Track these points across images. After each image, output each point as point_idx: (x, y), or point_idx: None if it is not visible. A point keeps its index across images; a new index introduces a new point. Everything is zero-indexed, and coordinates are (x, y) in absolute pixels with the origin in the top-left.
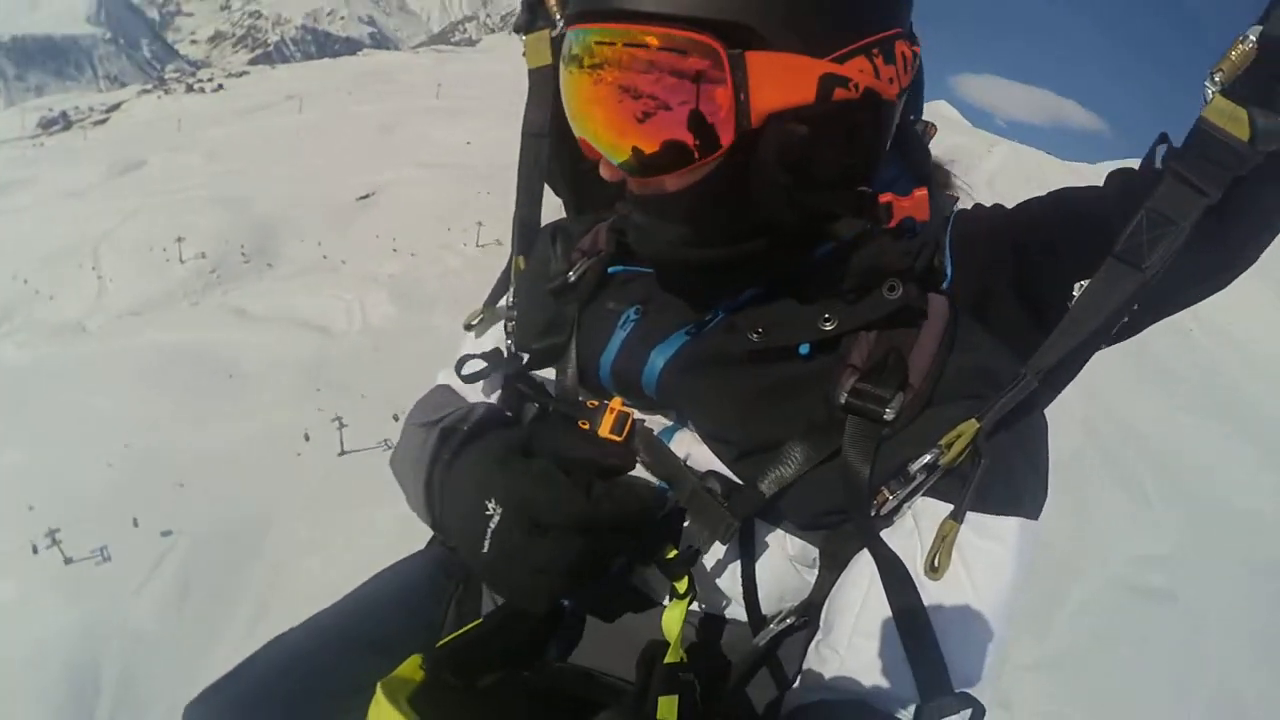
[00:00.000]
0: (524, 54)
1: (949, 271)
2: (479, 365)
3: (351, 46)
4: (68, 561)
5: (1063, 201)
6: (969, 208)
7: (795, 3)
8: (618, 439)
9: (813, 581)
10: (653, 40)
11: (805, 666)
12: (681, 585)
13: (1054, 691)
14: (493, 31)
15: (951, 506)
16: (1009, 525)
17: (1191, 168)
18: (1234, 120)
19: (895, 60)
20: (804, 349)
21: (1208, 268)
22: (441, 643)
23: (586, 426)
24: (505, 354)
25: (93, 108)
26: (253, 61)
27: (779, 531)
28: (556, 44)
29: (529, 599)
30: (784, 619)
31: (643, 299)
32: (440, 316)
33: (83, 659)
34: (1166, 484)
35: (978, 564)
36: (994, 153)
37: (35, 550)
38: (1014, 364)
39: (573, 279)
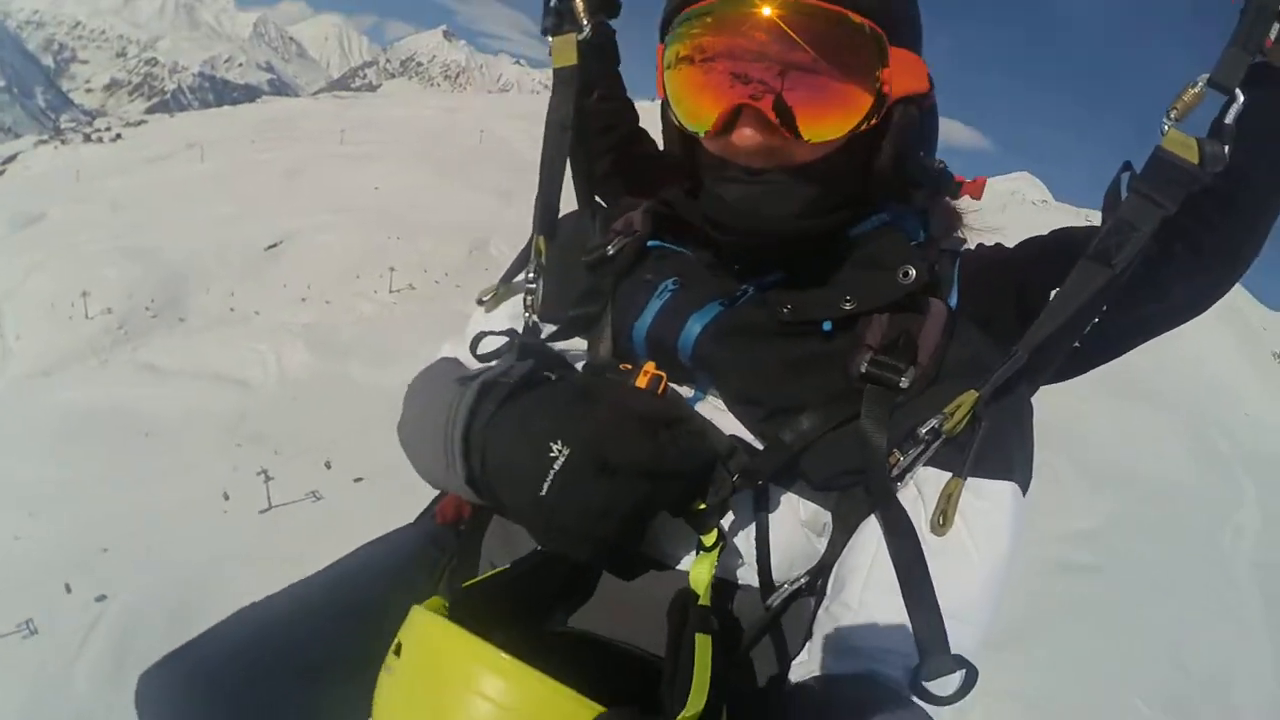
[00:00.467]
0: (550, 54)
1: (954, 302)
2: (497, 342)
3: (250, 94)
4: None
5: (1061, 240)
6: (973, 248)
7: (913, 16)
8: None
9: (821, 549)
10: (830, 11)
11: (814, 630)
12: (709, 539)
13: (1001, 668)
14: (393, 76)
15: (951, 474)
16: (1004, 489)
17: (1153, 187)
18: (1186, 148)
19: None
20: (827, 326)
21: (1205, 285)
22: (467, 584)
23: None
24: (524, 327)
25: None
26: (150, 110)
27: (793, 496)
28: (582, 46)
29: (580, 542)
30: (796, 581)
31: (678, 273)
32: (357, 365)
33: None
34: (1083, 465)
35: (977, 525)
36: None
37: None
38: (1005, 355)
39: (610, 253)
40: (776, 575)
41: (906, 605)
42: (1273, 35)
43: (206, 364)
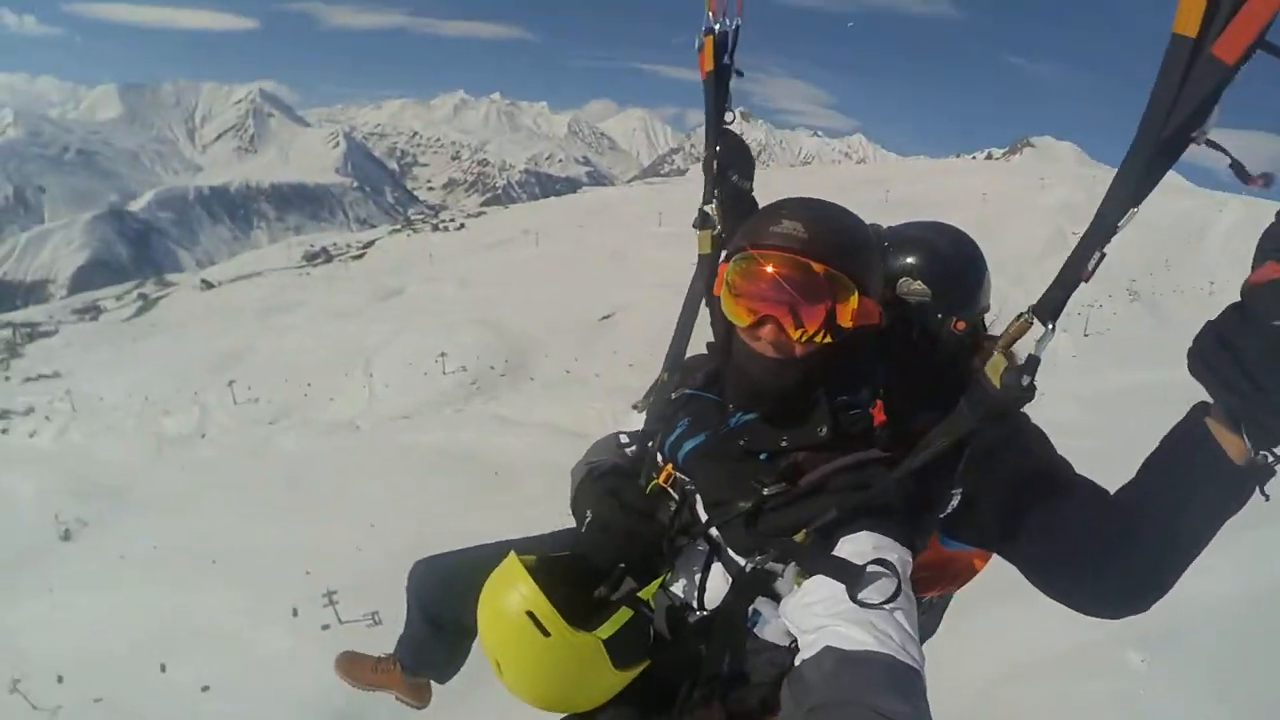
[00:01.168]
0: (698, 245)
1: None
2: (626, 439)
3: (571, 185)
4: (341, 622)
5: (1073, 488)
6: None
7: (873, 275)
8: (667, 485)
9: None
10: (819, 269)
11: (785, 614)
12: (667, 571)
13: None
14: (698, 160)
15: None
16: (823, 582)
17: (966, 401)
18: (994, 371)
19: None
20: (764, 456)
21: (1133, 587)
22: (541, 556)
23: (657, 477)
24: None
25: (350, 244)
26: (485, 203)
27: (721, 550)
28: (716, 239)
29: (598, 557)
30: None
31: (691, 413)
32: None
33: (352, 712)
34: None
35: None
36: (1224, 212)
37: (295, 613)
38: (860, 522)
39: (674, 396)
40: (709, 596)
41: (825, 581)
42: (1090, 267)
43: (549, 417)
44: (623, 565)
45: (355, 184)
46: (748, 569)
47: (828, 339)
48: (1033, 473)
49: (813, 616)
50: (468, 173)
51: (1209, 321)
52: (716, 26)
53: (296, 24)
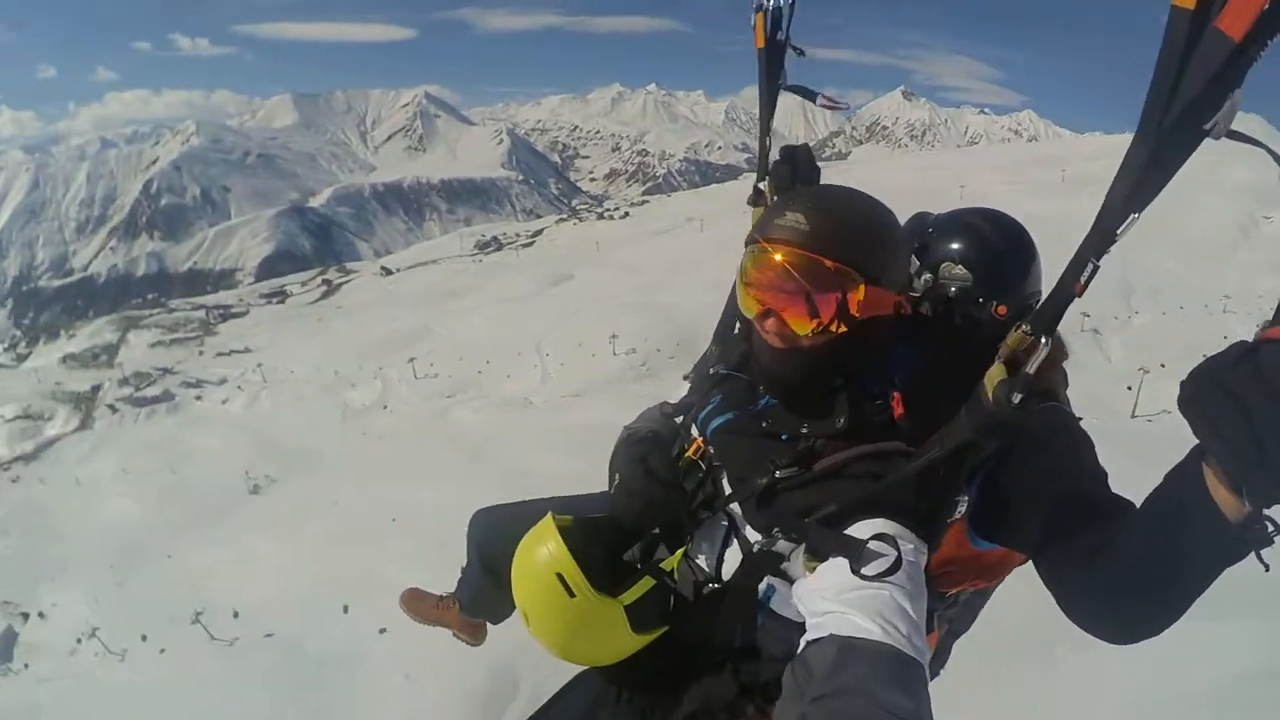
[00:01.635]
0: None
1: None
2: (670, 408)
3: (731, 172)
4: None
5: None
6: (1067, 421)
7: (887, 267)
8: (696, 458)
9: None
10: (821, 261)
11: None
12: (683, 549)
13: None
14: (860, 143)
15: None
16: (825, 567)
17: (967, 410)
18: (990, 382)
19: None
20: (785, 438)
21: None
22: (577, 518)
23: (688, 449)
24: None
25: (519, 233)
26: (646, 192)
27: (738, 523)
28: None
29: (625, 519)
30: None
31: (724, 392)
32: None
33: (505, 665)
34: None
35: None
36: None
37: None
38: (868, 511)
39: (711, 372)
40: (726, 570)
41: (834, 564)
42: (1082, 279)
43: None
44: (656, 532)
45: (520, 177)
46: (756, 547)
47: (834, 331)
48: (1063, 488)
49: (821, 601)
50: (628, 163)
51: (1210, 360)
52: (768, 3)
53: (452, 31)
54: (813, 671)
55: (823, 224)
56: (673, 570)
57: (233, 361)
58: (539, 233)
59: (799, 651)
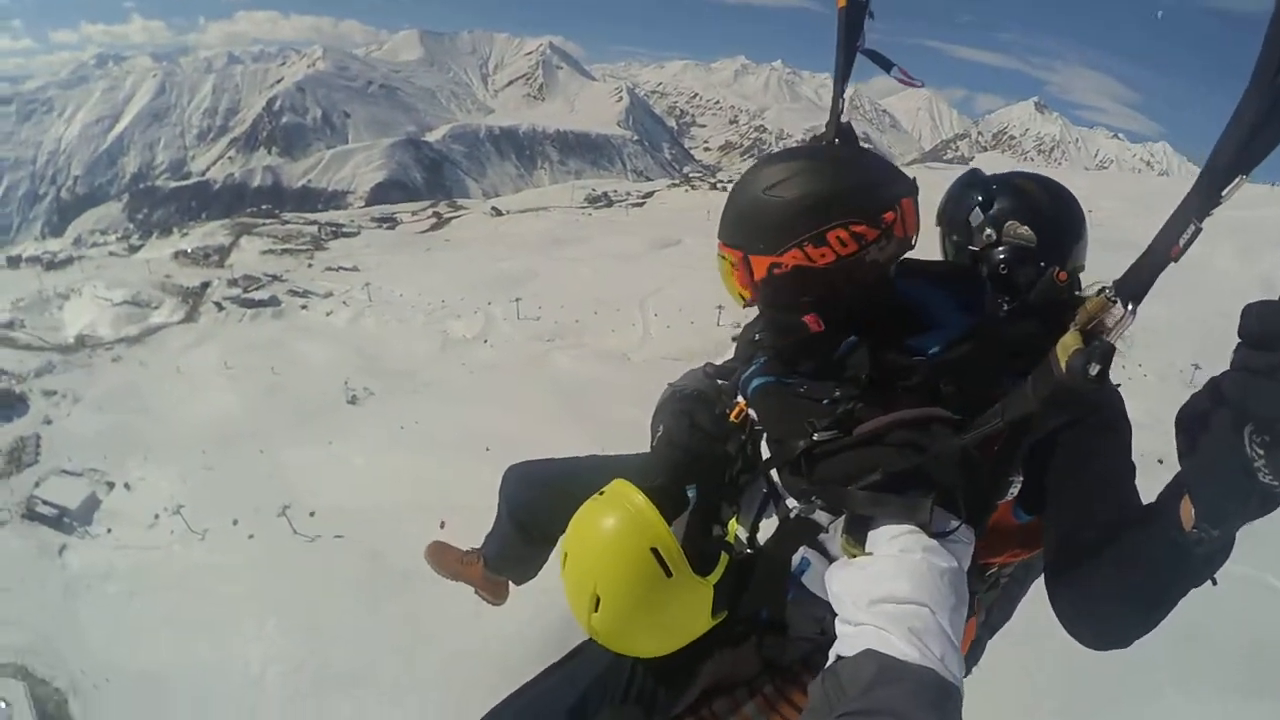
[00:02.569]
0: None
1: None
2: (714, 369)
3: None
4: None
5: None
6: (1113, 406)
7: (756, 237)
8: (735, 419)
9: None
10: (727, 253)
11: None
12: (736, 516)
13: None
14: (985, 149)
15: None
16: (864, 563)
17: (1033, 378)
18: (1064, 350)
19: (827, 243)
20: (825, 401)
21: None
22: (647, 488)
23: (732, 413)
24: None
25: (629, 192)
26: None
27: (778, 489)
28: None
29: (663, 468)
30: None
31: (765, 355)
32: None
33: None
34: None
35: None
36: None
37: None
38: (904, 476)
39: (756, 337)
40: (761, 536)
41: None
42: (1181, 243)
43: None
44: (731, 506)
45: (635, 137)
46: (793, 514)
47: (749, 295)
48: (1105, 475)
49: (856, 609)
50: (744, 137)
51: (1212, 379)
52: None
53: None
54: (845, 687)
55: (725, 211)
56: (732, 543)
57: (340, 278)
58: (650, 194)
59: (830, 664)
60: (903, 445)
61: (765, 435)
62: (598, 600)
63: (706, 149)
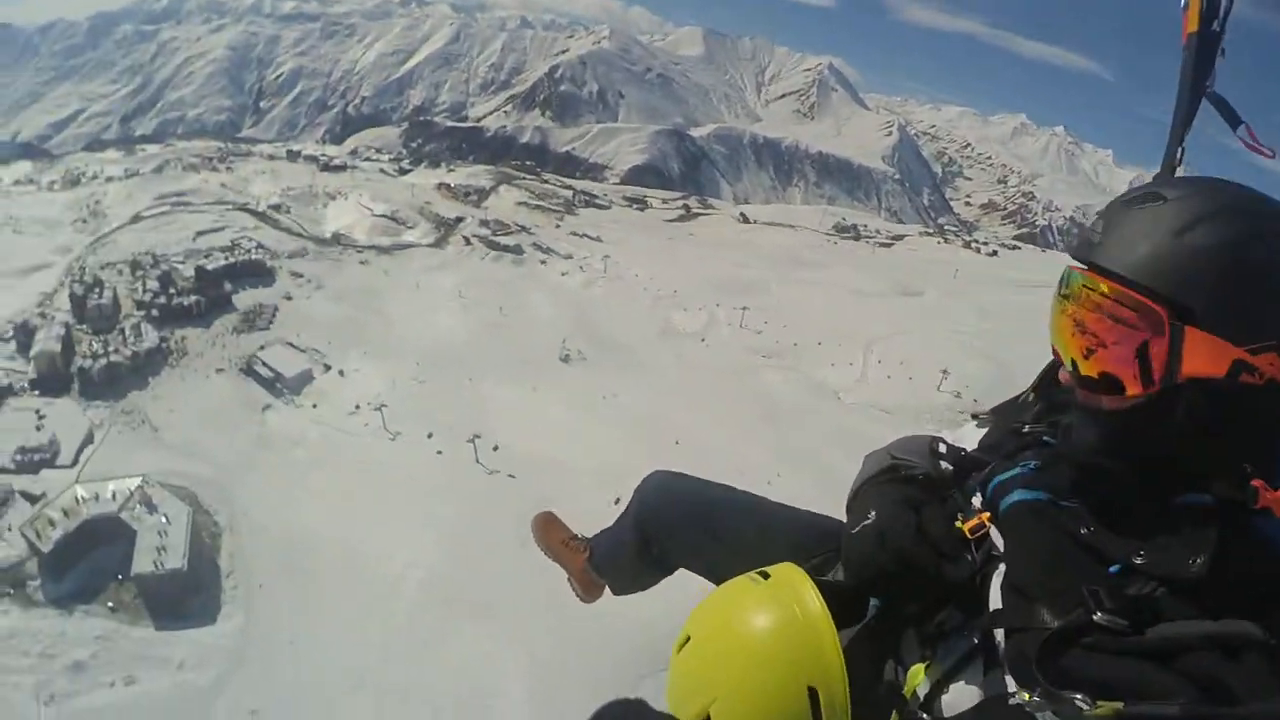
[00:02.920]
0: None
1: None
2: (944, 449)
3: None
4: None
5: None
6: None
7: (1227, 301)
8: (968, 534)
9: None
10: (1105, 289)
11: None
12: (924, 667)
13: None
14: None
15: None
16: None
17: None
18: None
19: None
20: (1115, 567)
21: None
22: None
23: (962, 524)
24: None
25: (879, 230)
26: (1018, 237)
27: (980, 666)
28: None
29: (860, 568)
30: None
31: (1043, 459)
32: None
33: None
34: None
35: None
36: None
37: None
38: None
39: (1026, 430)
40: (948, 702)
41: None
42: None
43: None
44: (925, 649)
45: (897, 175)
46: (1010, 698)
47: (1131, 394)
48: None
49: None
50: (1010, 200)
51: None
52: None
53: (870, 9)
54: None
55: (1123, 236)
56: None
57: (583, 244)
58: (900, 237)
59: None
60: (1197, 678)
61: (1007, 572)
62: (708, 717)
63: (968, 203)
